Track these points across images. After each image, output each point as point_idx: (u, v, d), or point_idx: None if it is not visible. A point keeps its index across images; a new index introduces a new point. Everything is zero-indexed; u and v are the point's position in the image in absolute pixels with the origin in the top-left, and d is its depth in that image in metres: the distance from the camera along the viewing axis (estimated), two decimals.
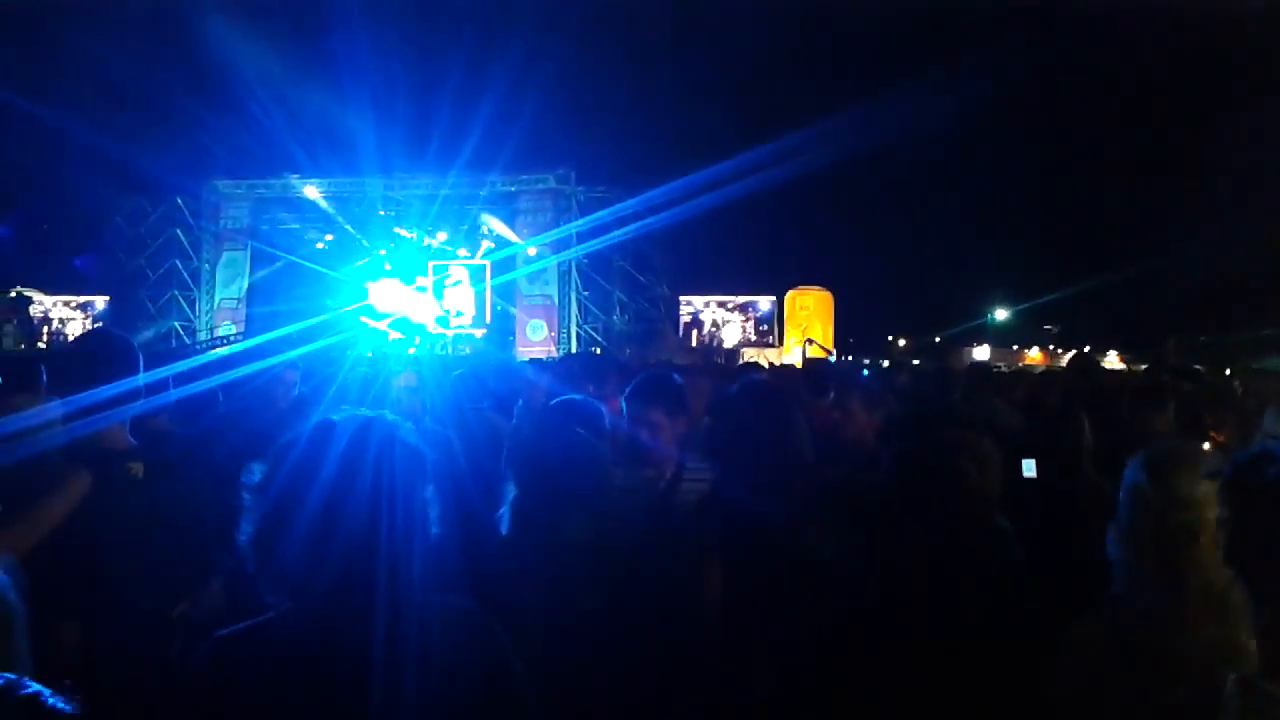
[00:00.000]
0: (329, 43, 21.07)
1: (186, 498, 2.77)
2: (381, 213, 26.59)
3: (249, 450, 1.81)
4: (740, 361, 17.48)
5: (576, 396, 3.45)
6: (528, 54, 21.26)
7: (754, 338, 28.92)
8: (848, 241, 38.92)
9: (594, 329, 27.09)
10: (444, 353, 20.66)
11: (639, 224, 23.93)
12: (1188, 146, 33.50)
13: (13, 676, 1.12)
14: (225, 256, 27.83)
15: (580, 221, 25.55)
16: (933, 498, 2.56)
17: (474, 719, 1.72)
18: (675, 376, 3.78)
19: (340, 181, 26.46)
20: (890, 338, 46.42)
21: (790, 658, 2.57)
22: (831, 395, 4.82)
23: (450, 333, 25.10)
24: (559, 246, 26.13)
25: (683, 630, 2.82)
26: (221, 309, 27.78)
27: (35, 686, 1.12)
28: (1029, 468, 3.46)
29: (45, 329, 29.60)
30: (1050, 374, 10.60)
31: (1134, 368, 18.21)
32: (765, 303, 29.34)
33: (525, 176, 26.40)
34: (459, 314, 26.28)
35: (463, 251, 27.51)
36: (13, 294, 27.87)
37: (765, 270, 30.97)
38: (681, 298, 29.31)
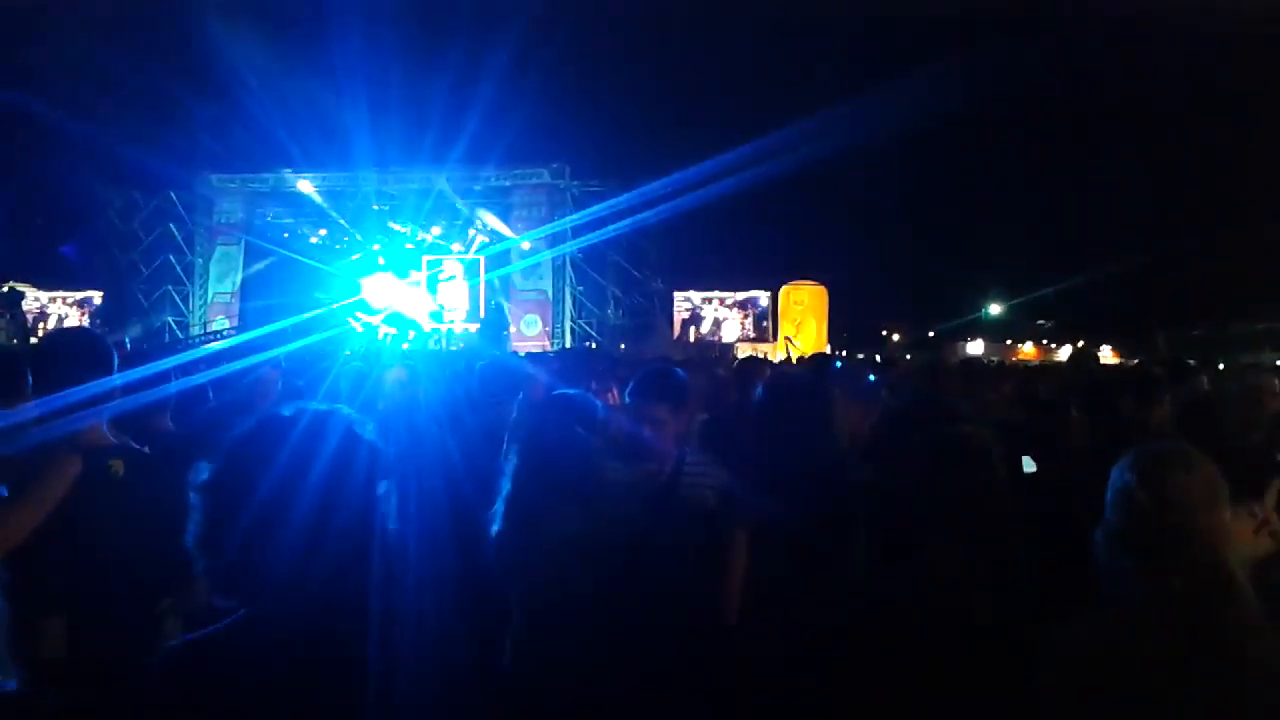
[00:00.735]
0: (323, 37, 20.99)
1: (169, 495, 2.73)
2: (375, 207, 26.54)
3: None
4: (735, 357, 17.46)
5: (571, 391, 3.45)
6: (521, 48, 21.25)
7: (753, 334, 28.90)
8: (842, 236, 38.91)
9: (588, 324, 27.07)
10: (438, 347, 20.63)
11: (633, 218, 23.88)
12: (1183, 142, 33.54)
13: None
14: (219, 251, 27.74)
15: (574, 216, 25.50)
16: (967, 497, 2.53)
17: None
18: (679, 372, 3.81)
19: (334, 176, 26.39)
20: (884, 332, 46.47)
21: (808, 656, 2.56)
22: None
23: (444, 327, 25.07)
24: (553, 241, 26.10)
25: (687, 625, 2.81)
26: (215, 304, 27.71)
27: None
28: (1028, 464, 3.45)
29: (41, 325, 29.52)
30: (1040, 369, 10.58)
31: (1127, 362, 18.22)
32: (765, 298, 29.33)
33: (519, 171, 26.35)
34: (453, 309, 26.25)
35: (457, 246, 27.46)
36: (5, 289, 27.79)
37: (760, 265, 30.96)
38: (681, 294, 29.28)
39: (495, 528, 2.90)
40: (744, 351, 22.66)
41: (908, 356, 24.28)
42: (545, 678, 2.74)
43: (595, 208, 24.69)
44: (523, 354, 15.78)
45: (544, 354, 15.90)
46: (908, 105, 21.79)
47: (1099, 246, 37.80)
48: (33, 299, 29.94)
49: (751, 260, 31.85)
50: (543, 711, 2.71)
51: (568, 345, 24.58)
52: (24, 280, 29.17)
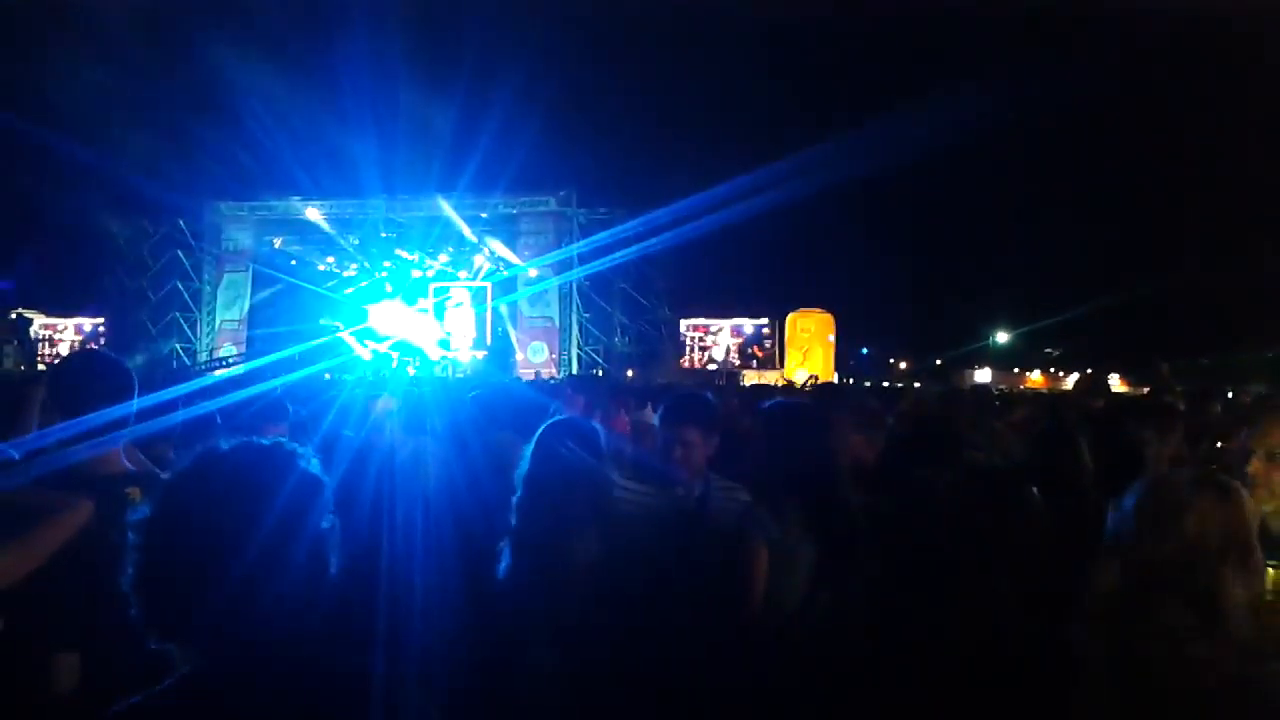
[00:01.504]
0: (331, 66, 21.18)
1: None
2: (383, 235, 26.66)
3: None
4: (739, 383, 17.43)
5: (572, 417, 3.45)
6: (529, 76, 21.40)
7: (738, 360, 29.01)
8: (849, 264, 38.99)
9: (595, 351, 27.07)
10: (444, 374, 20.63)
11: (640, 246, 23.95)
12: (1189, 171, 33.61)
13: None
14: (226, 278, 27.89)
15: (581, 243, 25.59)
16: (1000, 530, 2.51)
17: None
18: (708, 395, 3.82)
19: (342, 204, 26.56)
20: (891, 360, 46.44)
21: (823, 684, 2.54)
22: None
23: (451, 355, 25.09)
24: (560, 268, 26.17)
25: (713, 646, 2.78)
26: (223, 331, 27.81)
27: None
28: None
29: (48, 350, 29.60)
30: (1046, 397, 10.55)
31: (1137, 390, 18.15)
32: (749, 325, 29.57)
33: (526, 198, 26.50)
34: (460, 336, 26.29)
35: (464, 273, 27.55)
36: (13, 315, 27.91)
37: (766, 292, 31.06)
38: (691, 322, 29.35)
39: (503, 564, 2.85)
40: (749, 379, 22.64)
41: (915, 385, 24.21)
42: (564, 699, 2.70)
43: (602, 235, 24.79)
44: (527, 380, 15.78)
45: (548, 380, 15.89)
46: (916, 136, 21.90)
47: (1107, 275, 37.84)
48: (40, 325, 30.09)
49: (758, 288, 31.98)
50: None
51: (574, 372, 24.56)
52: (31, 307, 29.35)
